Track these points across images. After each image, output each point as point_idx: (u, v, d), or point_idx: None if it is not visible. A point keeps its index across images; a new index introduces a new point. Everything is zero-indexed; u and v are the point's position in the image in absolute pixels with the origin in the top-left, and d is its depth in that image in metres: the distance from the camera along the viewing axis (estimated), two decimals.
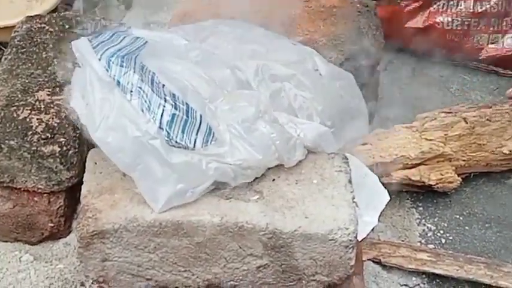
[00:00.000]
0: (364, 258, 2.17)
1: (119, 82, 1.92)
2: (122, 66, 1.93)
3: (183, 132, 1.91)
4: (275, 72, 2.13)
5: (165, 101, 1.92)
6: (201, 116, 1.95)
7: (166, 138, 1.90)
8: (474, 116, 2.57)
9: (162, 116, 1.91)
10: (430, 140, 2.51)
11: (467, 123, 2.56)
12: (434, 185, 2.51)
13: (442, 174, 2.51)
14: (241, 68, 2.13)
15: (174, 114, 1.92)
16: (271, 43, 2.26)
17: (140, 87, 1.92)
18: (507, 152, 2.59)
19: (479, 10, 3.06)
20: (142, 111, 1.90)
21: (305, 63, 2.21)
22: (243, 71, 2.12)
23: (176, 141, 1.90)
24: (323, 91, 2.17)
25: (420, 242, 2.44)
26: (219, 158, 1.93)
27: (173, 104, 1.93)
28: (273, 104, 2.07)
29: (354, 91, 2.31)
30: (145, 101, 1.91)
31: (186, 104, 1.95)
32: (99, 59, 1.93)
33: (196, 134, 1.93)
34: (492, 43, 3.10)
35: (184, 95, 1.97)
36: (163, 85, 1.96)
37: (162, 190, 1.90)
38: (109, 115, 1.90)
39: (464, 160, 2.56)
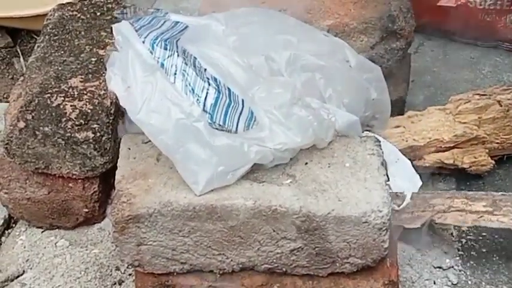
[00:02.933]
0: (418, 225, 2.17)
1: (162, 64, 1.95)
2: (165, 49, 1.96)
3: (225, 115, 1.94)
4: (306, 63, 2.15)
5: (209, 84, 1.95)
6: (243, 101, 1.98)
7: (209, 121, 1.93)
8: (509, 99, 2.54)
9: (205, 99, 1.94)
10: (464, 123, 2.49)
11: (501, 105, 2.54)
12: (468, 168, 2.49)
13: (475, 157, 2.50)
14: (274, 58, 2.15)
15: (217, 98, 1.94)
16: (303, 34, 2.28)
17: (184, 70, 1.95)
18: None
19: None
20: (186, 93, 1.94)
21: (336, 55, 2.22)
22: (275, 60, 2.15)
23: (219, 124, 1.94)
24: (351, 83, 2.19)
25: (453, 225, 2.43)
26: (260, 142, 1.95)
27: (216, 87, 1.96)
28: (304, 92, 2.08)
29: (380, 85, 2.32)
30: (189, 84, 1.94)
31: (228, 88, 1.98)
32: (143, 42, 1.96)
33: (239, 117, 1.96)
34: None
35: (226, 80, 1.99)
36: (205, 69, 1.98)
37: (203, 172, 1.91)
38: (151, 97, 1.94)
39: (497, 143, 2.54)
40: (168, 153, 1.96)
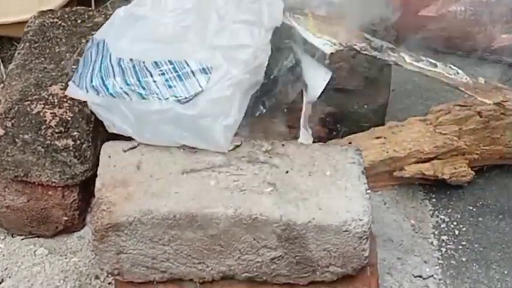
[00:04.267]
0: (490, 101, 2.16)
1: (112, 94, 2.00)
2: (104, 81, 2.01)
3: (184, 86, 1.98)
4: None
5: (152, 75, 1.99)
6: (185, 61, 2.00)
7: (177, 101, 1.97)
8: (489, 110, 2.55)
9: (159, 89, 1.98)
10: (445, 134, 2.50)
11: (481, 117, 2.55)
12: (448, 179, 2.50)
13: (455, 168, 2.51)
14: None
15: (166, 80, 1.99)
16: None
17: (129, 84, 1.99)
18: None
19: (493, 0, 3.05)
20: (144, 98, 1.98)
21: None
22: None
23: (186, 97, 1.97)
24: None
25: (433, 233, 2.44)
26: (228, 78, 1.97)
27: (160, 72, 2.00)
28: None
29: None
30: (141, 91, 1.99)
31: (169, 61, 2.00)
32: (87, 92, 2.03)
33: (195, 77, 1.98)
34: (505, 33, 3.09)
35: (163, 57, 2.02)
36: (143, 62, 2.02)
37: (215, 134, 1.97)
38: (131, 122, 2.02)
39: (477, 153, 2.55)
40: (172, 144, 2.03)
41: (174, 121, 1.98)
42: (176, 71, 2.00)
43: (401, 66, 2.13)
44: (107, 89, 2.01)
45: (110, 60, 2.04)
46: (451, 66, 2.17)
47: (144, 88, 1.99)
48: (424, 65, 2.13)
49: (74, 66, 2.24)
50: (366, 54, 2.10)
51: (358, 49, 2.10)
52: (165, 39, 2.06)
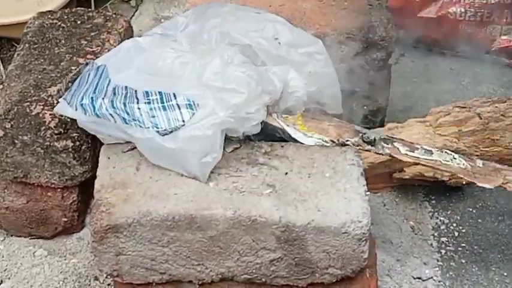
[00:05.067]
0: (491, 186, 2.14)
1: (97, 114, 2.01)
2: (93, 101, 2.02)
3: (166, 117, 1.97)
4: (232, 40, 2.15)
5: (138, 102, 2.00)
6: (174, 94, 2.00)
7: (157, 132, 1.96)
8: (488, 112, 2.55)
9: (142, 117, 1.98)
10: (444, 135, 2.49)
11: (481, 118, 2.54)
12: (448, 180, 2.49)
13: None
14: (203, 40, 2.17)
15: (151, 109, 1.98)
16: (233, 14, 2.26)
17: (114, 107, 2.00)
18: None
19: (493, 1, 3.04)
20: (127, 123, 1.98)
21: (263, 32, 2.20)
22: (204, 42, 2.17)
23: (165, 129, 1.96)
24: (277, 60, 2.16)
25: (433, 235, 2.44)
26: (212, 117, 1.96)
27: (147, 100, 2.00)
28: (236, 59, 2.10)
29: (320, 57, 2.25)
30: (124, 115, 1.99)
31: (158, 92, 2.01)
32: (76, 110, 2.04)
33: (180, 110, 1.97)
34: (505, 35, 3.09)
35: (154, 87, 2.02)
36: (136, 90, 2.02)
37: (192, 168, 1.96)
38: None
39: (477, 155, 2.54)
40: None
41: (154, 150, 1.98)
42: (162, 102, 1.99)
43: (396, 158, 2.12)
44: (94, 108, 2.01)
45: (107, 85, 2.06)
46: (447, 151, 2.17)
47: (127, 113, 1.99)
48: (419, 153, 2.12)
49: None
50: (359, 148, 2.10)
51: (351, 144, 2.10)
52: (161, 72, 2.06)
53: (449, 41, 3.13)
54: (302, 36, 2.25)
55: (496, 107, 2.57)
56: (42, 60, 2.35)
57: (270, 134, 2.14)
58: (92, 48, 2.38)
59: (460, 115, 2.53)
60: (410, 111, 2.84)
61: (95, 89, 2.06)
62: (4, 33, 3.07)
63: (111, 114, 2.00)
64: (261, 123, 2.06)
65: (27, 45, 2.41)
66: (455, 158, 2.15)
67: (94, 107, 2.01)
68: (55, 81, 2.26)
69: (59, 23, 2.49)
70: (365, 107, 2.63)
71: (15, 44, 2.96)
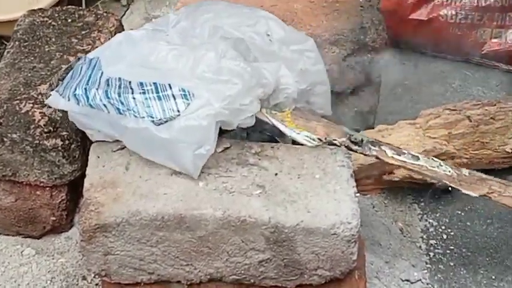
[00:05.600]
0: (476, 194, 2.14)
1: (91, 105, 1.99)
2: (86, 92, 2.01)
3: (162, 108, 1.96)
4: (225, 33, 2.15)
5: (133, 92, 1.99)
6: (169, 85, 1.99)
7: (152, 122, 1.95)
8: (478, 115, 2.56)
9: (137, 106, 1.97)
10: (434, 138, 2.50)
11: (471, 121, 2.55)
12: (437, 183, 2.50)
13: None
14: (196, 34, 2.17)
15: (146, 99, 1.97)
16: (227, 11, 2.26)
17: (109, 97, 1.99)
18: (510, 151, 2.58)
19: (484, 4, 3.05)
20: (121, 113, 1.97)
21: (255, 27, 2.20)
22: (197, 36, 2.16)
23: (160, 119, 1.95)
24: (270, 56, 2.16)
25: (422, 237, 2.45)
26: (207, 108, 1.95)
27: (142, 91, 1.99)
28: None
29: (311, 55, 2.24)
30: (119, 105, 1.97)
31: (153, 83, 2.00)
32: (69, 101, 2.02)
33: (175, 101, 1.97)
34: (495, 38, 3.10)
35: (149, 78, 2.02)
36: (130, 82, 2.01)
37: (185, 160, 1.95)
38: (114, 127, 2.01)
39: (466, 158, 2.55)
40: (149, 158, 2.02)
41: (148, 141, 1.97)
42: (157, 92, 1.99)
43: (382, 160, 2.13)
44: (87, 99, 2.00)
45: (100, 77, 2.05)
46: (434, 158, 2.17)
47: (122, 103, 1.98)
48: (405, 158, 2.12)
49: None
50: (346, 148, 2.10)
51: (338, 144, 2.10)
52: (154, 65, 2.06)
53: (440, 44, 3.14)
54: (294, 33, 2.25)
55: (486, 110, 2.59)
56: (32, 58, 2.34)
57: (259, 131, 2.14)
58: (82, 46, 2.38)
59: (450, 118, 2.54)
60: (401, 113, 2.84)
61: (88, 80, 2.05)
62: None
63: (104, 105, 1.98)
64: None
65: (17, 42, 2.41)
66: (441, 165, 2.15)
67: (88, 97, 2.00)
68: (45, 79, 2.26)
69: (50, 21, 2.48)
70: (355, 109, 2.63)
71: (5, 42, 2.95)
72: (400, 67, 3.15)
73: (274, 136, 2.19)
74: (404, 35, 3.14)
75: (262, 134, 2.21)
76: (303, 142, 2.10)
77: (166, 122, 1.95)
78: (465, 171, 2.17)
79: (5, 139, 2.17)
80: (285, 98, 2.13)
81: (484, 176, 2.19)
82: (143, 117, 1.96)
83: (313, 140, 2.10)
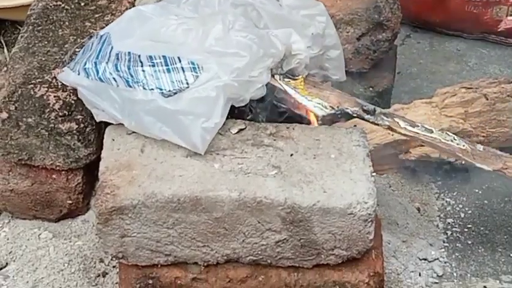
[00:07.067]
0: (490, 168, 2.14)
1: (100, 78, 2.01)
2: (96, 65, 2.03)
3: (171, 79, 1.98)
4: (235, 1, 2.15)
5: (142, 65, 2.00)
6: (179, 58, 2.00)
7: (161, 93, 1.96)
8: (495, 92, 2.54)
9: (146, 79, 1.98)
10: (450, 116, 2.48)
11: (487, 99, 2.53)
12: (454, 161, 2.49)
13: None
14: (207, 3, 2.18)
15: (155, 71, 1.98)
16: None
17: (118, 70, 2.00)
18: None
19: None
20: (130, 86, 1.98)
21: None
22: (208, 5, 2.17)
23: (169, 90, 1.96)
24: (281, 20, 2.16)
25: (439, 216, 2.44)
26: (216, 80, 1.96)
27: (151, 64, 2.00)
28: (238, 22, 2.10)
29: (322, 19, 2.24)
30: (128, 77, 1.98)
31: (162, 56, 2.01)
32: (79, 74, 2.05)
33: (184, 73, 1.98)
34: (511, 15, 3.08)
35: (158, 51, 2.03)
36: (139, 55, 2.02)
37: (193, 134, 1.95)
38: (121, 107, 2.02)
39: (483, 136, 2.54)
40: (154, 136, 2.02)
41: (156, 113, 1.97)
42: (167, 65, 1.99)
43: (395, 130, 2.11)
44: (97, 72, 2.01)
45: (110, 51, 2.06)
46: (448, 133, 2.16)
47: (131, 76, 1.99)
48: (419, 130, 2.11)
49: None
50: (358, 117, 2.08)
51: (350, 112, 2.08)
52: (164, 39, 2.06)
53: (456, 22, 3.12)
54: None
55: (503, 87, 2.57)
56: (46, 43, 2.34)
57: (272, 109, 2.13)
58: (96, 30, 2.37)
59: (466, 96, 2.52)
60: (416, 92, 2.84)
61: (98, 54, 2.06)
62: (8, 15, 3.06)
63: (114, 78, 2.00)
64: (266, 85, 2.06)
65: (30, 27, 2.40)
66: (455, 139, 2.14)
67: (97, 71, 2.02)
68: (59, 63, 2.25)
69: (63, 5, 2.48)
70: (371, 88, 2.62)
71: (19, 27, 2.95)
72: (416, 46, 3.14)
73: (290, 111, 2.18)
74: (420, 14, 3.13)
75: (280, 114, 2.19)
76: (314, 110, 2.09)
77: (175, 94, 1.96)
78: (479, 147, 2.16)
79: (20, 123, 2.17)
80: (297, 63, 2.12)
81: (498, 152, 2.18)
82: (152, 89, 1.97)
83: (325, 107, 2.09)
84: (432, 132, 2.12)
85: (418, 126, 2.12)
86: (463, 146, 2.12)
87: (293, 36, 2.12)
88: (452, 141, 2.12)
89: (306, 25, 2.18)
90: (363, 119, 2.09)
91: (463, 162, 2.11)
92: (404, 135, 2.13)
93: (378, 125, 2.10)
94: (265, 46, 2.05)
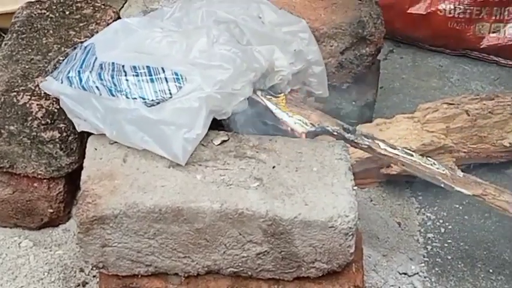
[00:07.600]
0: (469, 193, 2.14)
1: (83, 87, 2.02)
2: (79, 74, 2.03)
3: (155, 90, 1.98)
4: (217, 18, 2.17)
5: (126, 75, 2.01)
6: (162, 68, 2.01)
7: (144, 103, 1.97)
8: (476, 109, 2.56)
9: (129, 88, 1.99)
10: (432, 132, 2.50)
11: (469, 115, 2.55)
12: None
13: None
14: (189, 19, 2.20)
15: (138, 81, 1.99)
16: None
17: (102, 79, 2.01)
18: (507, 145, 2.59)
19: None
20: (113, 95, 1.98)
21: (247, 11, 2.22)
22: (191, 22, 2.19)
23: (152, 100, 1.97)
24: (263, 37, 2.18)
25: (419, 231, 2.45)
26: (199, 92, 1.97)
27: (135, 73, 2.01)
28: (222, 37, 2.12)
29: (304, 36, 2.26)
30: (111, 86, 1.99)
31: (146, 66, 2.02)
32: (62, 83, 2.05)
33: (167, 84, 1.98)
34: (493, 32, 3.10)
35: (141, 62, 2.04)
36: (123, 65, 2.03)
37: (175, 143, 1.95)
38: (102, 117, 2.02)
39: (464, 152, 2.56)
40: (138, 147, 2.02)
41: (138, 123, 1.97)
42: (150, 75, 2.00)
43: (375, 150, 2.12)
44: (80, 81, 2.02)
45: (94, 61, 2.06)
46: (428, 158, 2.17)
47: (115, 84, 1.99)
48: (399, 152, 2.13)
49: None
50: (338, 135, 2.10)
51: (331, 130, 2.10)
52: (148, 50, 2.08)
53: (438, 38, 3.14)
54: (285, 15, 2.27)
55: (484, 104, 2.59)
56: (29, 50, 2.34)
57: (255, 122, 2.14)
58: (80, 38, 2.37)
59: (448, 112, 2.54)
60: (399, 107, 2.85)
61: (82, 64, 2.07)
62: None
63: (97, 87, 2.00)
64: (247, 99, 2.07)
65: (14, 35, 2.40)
66: (435, 164, 2.15)
67: (81, 79, 2.02)
68: (42, 71, 2.25)
69: (48, 13, 2.48)
70: (353, 102, 2.63)
71: (3, 34, 2.94)
72: (399, 61, 3.16)
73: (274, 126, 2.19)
74: (403, 29, 3.15)
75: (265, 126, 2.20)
76: (294, 126, 2.10)
77: (158, 103, 1.96)
78: (460, 173, 2.17)
79: (3, 131, 2.16)
80: (280, 80, 2.14)
81: (478, 180, 2.19)
82: (135, 98, 1.97)
83: (306, 124, 2.10)
84: (412, 156, 2.13)
85: (398, 149, 2.13)
86: (443, 170, 2.13)
87: (276, 52, 2.13)
88: (432, 165, 2.13)
89: (288, 42, 2.20)
90: (344, 138, 2.10)
91: (443, 185, 2.12)
92: (384, 155, 2.14)
93: (358, 144, 2.11)
94: (249, 60, 2.06)
